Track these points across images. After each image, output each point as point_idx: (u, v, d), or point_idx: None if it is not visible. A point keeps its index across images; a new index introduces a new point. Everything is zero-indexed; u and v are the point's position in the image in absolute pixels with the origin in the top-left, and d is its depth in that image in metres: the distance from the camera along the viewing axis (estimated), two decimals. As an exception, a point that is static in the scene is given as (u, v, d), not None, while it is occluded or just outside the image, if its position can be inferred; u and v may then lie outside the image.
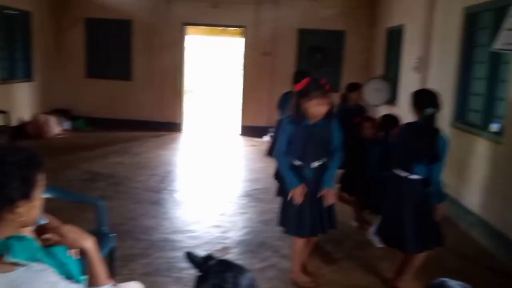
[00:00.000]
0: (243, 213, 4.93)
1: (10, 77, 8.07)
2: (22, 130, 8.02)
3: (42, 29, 8.87)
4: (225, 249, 3.92)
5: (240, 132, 9.64)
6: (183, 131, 9.66)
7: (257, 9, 9.11)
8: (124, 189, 5.54)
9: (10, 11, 7.96)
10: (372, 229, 4.16)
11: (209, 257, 1.45)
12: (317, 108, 3.05)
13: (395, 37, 7.60)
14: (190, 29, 9.68)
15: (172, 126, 9.51)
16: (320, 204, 3.22)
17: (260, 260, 3.73)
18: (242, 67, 9.72)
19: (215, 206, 5.09)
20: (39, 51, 8.81)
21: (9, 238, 1.38)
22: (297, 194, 3.13)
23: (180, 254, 3.79)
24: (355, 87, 5.24)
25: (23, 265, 1.34)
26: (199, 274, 1.46)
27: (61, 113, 9.11)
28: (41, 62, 8.91)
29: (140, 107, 9.53)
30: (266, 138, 8.74)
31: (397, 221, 3.15)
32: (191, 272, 3.47)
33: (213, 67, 17.41)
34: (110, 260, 3.00)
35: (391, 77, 7.44)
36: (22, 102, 8.44)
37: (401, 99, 6.89)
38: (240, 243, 4.13)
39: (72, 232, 1.55)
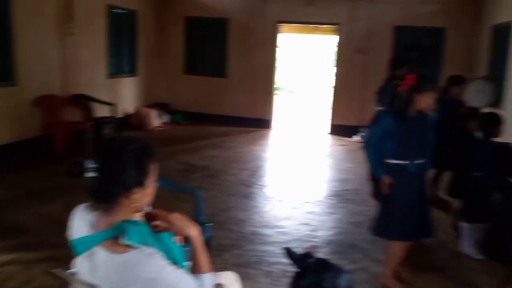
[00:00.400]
0: (331, 213, 4.91)
1: (117, 72, 8.75)
2: (125, 122, 8.64)
3: (146, 27, 9.50)
4: (315, 247, 3.93)
5: (329, 130, 9.56)
6: (273, 127, 9.82)
7: (352, 6, 8.94)
8: (217, 181, 5.79)
9: (119, 10, 8.61)
10: (465, 242, 3.93)
11: (308, 255, 1.49)
12: (428, 101, 3.05)
13: (502, 34, 7.03)
14: (283, 27, 9.78)
15: (262, 123, 9.71)
16: (424, 205, 3.14)
17: (350, 262, 3.69)
18: (334, 65, 9.62)
19: (304, 204, 5.13)
20: (142, 48, 9.45)
21: (124, 222, 1.48)
22: (384, 185, 3.12)
23: (270, 248, 3.89)
24: (457, 80, 4.95)
25: (135, 248, 1.44)
26: (298, 270, 1.49)
27: (161, 106, 9.69)
28: (144, 58, 9.56)
29: (233, 104, 9.84)
30: (356, 138, 8.58)
31: (503, 232, 2.95)
32: (281, 267, 3.56)
33: (304, 65, 17.42)
34: (206, 249, 3.16)
35: (496, 78, 6.90)
36: (126, 95, 9.14)
37: (508, 101, 6.38)
38: (329, 243, 4.12)
39: (179, 220, 1.61)
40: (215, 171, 6.24)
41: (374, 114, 4.61)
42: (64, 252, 3.46)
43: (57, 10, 6.88)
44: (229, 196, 5.27)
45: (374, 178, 4.02)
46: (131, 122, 8.84)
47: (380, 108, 4.45)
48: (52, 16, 6.81)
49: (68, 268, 1.61)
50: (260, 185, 5.84)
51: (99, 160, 1.49)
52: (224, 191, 5.42)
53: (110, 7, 8.25)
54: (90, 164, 1.48)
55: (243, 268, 3.49)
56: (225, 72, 9.83)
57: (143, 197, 1.54)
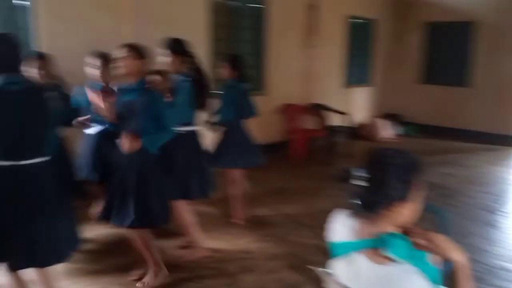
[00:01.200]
0: None
1: (352, 82, 8.94)
2: (356, 132, 8.72)
3: (383, 35, 9.44)
4: None
5: None
6: (522, 146, 8.50)
7: None
8: (454, 203, 5.30)
9: (358, 20, 8.76)
10: None
11: None
12: None
13: None
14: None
15: (508, 140, 8.49)
16: None
17: None
18: None
19: None
20: (378, 57, 9.44)
21: (387, 234, 1.47)
22: None
23: (524, 288, 3.35)
24: None
25: (396, 262, 1.41)
26: None
27: (393, 117, 9.45)
28: (378, 67, 9.53)
29: (474, 116, 8.92)
30: None
31: None
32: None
33: None
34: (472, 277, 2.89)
35: None
36: (359, 105, 9.26)
37: None
38: None
39: (444, 242, 1.51)
40: (451, 191, 5.72)
41: None
42: (302, 250, 3.73)
43: (303, 24, 7.44)
44: (468, 221, 4.76)
45: None
46: (361, 132, 8.88)
47: None
48: (299, 29, 7.41)
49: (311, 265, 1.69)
50: (506, 212, 5.10)
51: (367, 169, 1.52)
52: (462, 215, 4.91)
53: (350, 17, 8.49)
54: (356, 172, 1.52)
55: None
56: (467, 81, 8.96)
57: (405, 211, 1.51)
